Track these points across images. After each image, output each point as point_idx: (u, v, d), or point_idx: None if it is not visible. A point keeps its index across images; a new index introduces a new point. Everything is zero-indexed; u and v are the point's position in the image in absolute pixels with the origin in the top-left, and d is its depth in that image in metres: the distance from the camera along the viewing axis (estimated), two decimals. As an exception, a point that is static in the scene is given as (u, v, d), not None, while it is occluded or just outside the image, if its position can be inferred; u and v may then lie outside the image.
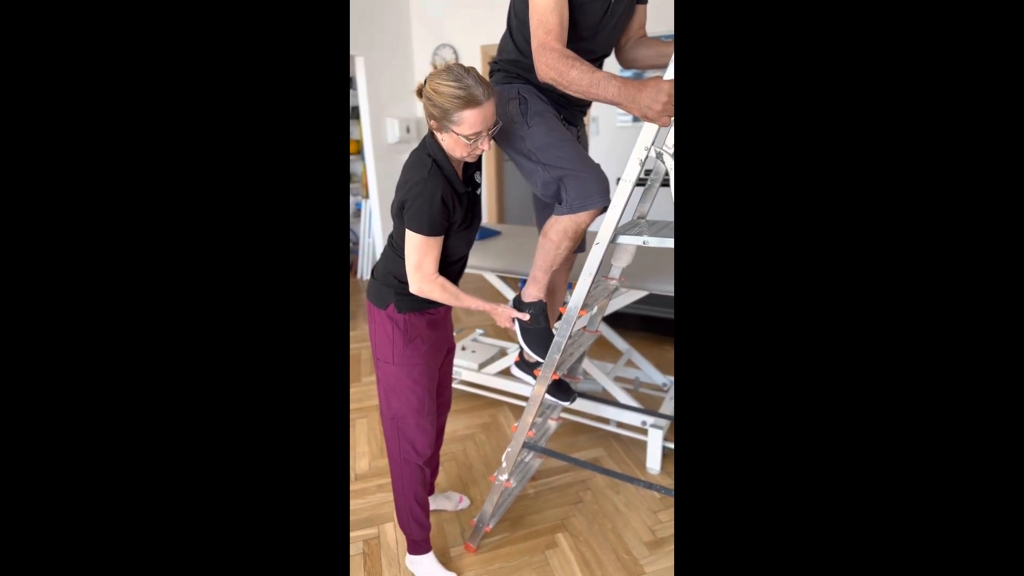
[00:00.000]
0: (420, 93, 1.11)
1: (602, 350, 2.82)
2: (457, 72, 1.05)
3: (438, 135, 1.12)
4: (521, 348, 1.56)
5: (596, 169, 1.15)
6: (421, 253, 1.15)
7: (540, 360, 1.34)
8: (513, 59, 1.26)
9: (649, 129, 1.04)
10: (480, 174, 1.29)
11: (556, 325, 1.32)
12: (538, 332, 1.34)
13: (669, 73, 1.00)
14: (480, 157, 1.23)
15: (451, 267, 1.27)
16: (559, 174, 1.15)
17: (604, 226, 1.14)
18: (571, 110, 1.34)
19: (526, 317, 1.33)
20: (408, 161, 1.17)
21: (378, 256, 2.62)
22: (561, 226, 1.19)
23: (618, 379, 2.48)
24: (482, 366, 2.36)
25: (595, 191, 1.13)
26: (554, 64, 1.04)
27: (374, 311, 1.30)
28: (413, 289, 1.20)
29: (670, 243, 1.11)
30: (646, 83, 0.97)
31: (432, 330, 1.32)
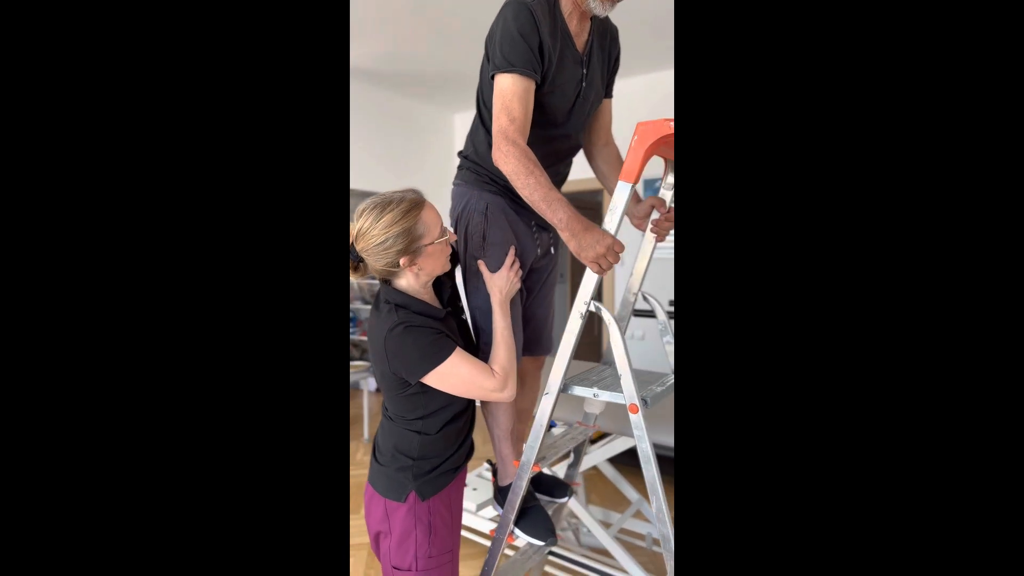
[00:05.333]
0: (357, 267, 1.01)
1: (611, 497, 2.56)
2: (373, 205, 0.99)
3: (410, 273, 1.02)
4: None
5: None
6: (467, 374, 0.98)
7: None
8: (485, 149, 1.14)
9: (589, 281, 1.02)
10: (462, 300, 1.20)
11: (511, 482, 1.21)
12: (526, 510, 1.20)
13: (609, 226, 0.99)
14: (455, 279, 1.20)
15: (459, 417, 1.08)
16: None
17: (552, 376, 1.08)
18: None
19: None
20: (371, 327, 1.03)
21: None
22: None
23: (625, 532, 2.22)
24: (480, 507, 2.19)
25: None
26: (514, 162, 0.97)
27: (386, 508, 1.03)
28: (503, 396, 1.03)
29: (619, 398, 1.04)
30: (593, 227, 0.96)
31: (457, 501, 1.10)
